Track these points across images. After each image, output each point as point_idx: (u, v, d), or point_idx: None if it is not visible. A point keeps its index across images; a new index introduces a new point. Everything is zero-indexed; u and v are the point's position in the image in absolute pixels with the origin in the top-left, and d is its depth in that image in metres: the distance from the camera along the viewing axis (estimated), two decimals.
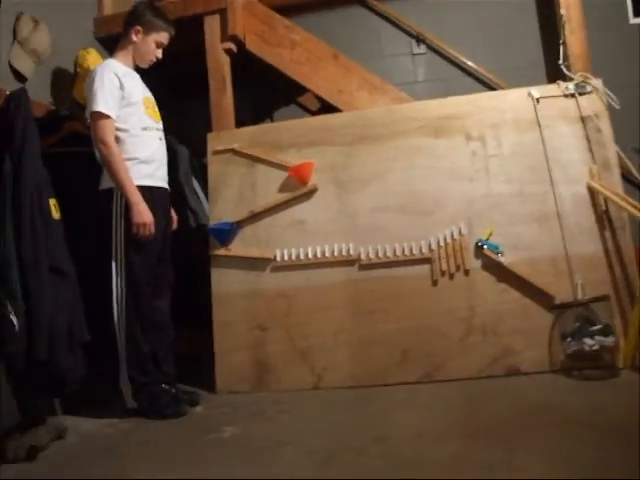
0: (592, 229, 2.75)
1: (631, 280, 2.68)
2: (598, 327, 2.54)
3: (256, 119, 3.85)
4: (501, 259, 2.72)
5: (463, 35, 3.97)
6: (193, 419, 2.54)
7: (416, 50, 3.99)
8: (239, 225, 3.00)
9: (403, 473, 1.75)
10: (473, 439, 1.97)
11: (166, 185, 2.73)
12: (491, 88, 3.80)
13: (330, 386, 2.78)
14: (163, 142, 2.73)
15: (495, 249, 2.71)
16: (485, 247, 2.72)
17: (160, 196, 2.66)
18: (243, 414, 2.53)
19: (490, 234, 2.74)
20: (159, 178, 2.67)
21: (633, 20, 4.02)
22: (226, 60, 3.34)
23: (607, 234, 2.75)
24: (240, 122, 3.34)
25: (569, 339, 2.56)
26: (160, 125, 2.74)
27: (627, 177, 3.82)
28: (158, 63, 2.77)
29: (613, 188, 2.72)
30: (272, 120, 3.94)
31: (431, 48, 3.99)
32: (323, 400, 2.64)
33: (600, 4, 3.66)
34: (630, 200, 2.57)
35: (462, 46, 3.97)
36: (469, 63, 3.95)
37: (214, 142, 3.12)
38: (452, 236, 2.79)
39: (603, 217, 2.76)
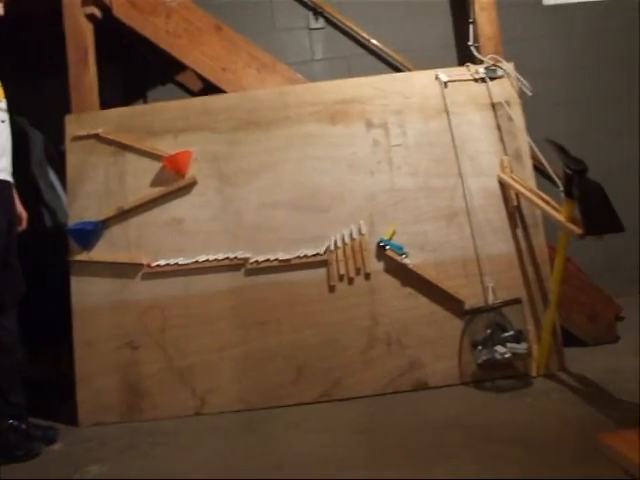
0: (504, 227, 2.88)
1: (544, 281, 2.82)
2: (510, 333, 2.65)
3: (127, 100, 3.75)
4: (406, 261, 2.78)
5: (366, 9, 4.05)
6: (50, 459, 2.43)
7: (314, 24, 4.03)
8: (104, 225, 2.91)
9: None
10: (381, 462, 2.01)
11: (9, 177, 2.60)
12: (397, 70, 3.90)
13: (215, 411, 2.75)
14: (7, 125, 2.60)
15: (399, 250, 2.77)
16: (388, 248, 2.78)
17: (1, 190, 2.53)
18: (111, 449, 2.45)
19: (393, 233, 2.80)
20: None
21: (547, 1, 4.26)
22: (88, 27, 3.22)
23: (519, 232, 2.88)
24: (106, 103, 3.24)
25: (480, 347, 2.66)
26: (3, 104, 2.60)
27: (540, 169, 4.05)
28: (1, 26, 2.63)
29: (525, 181, 2.85)
30: (146, 101, 3.85)
31: (331, 22, 4.04)
32: (206, 427, 2.61)
33: None
34: (542, 195, 2.70)
35: (365, 22, 4.05)
36: (373, 41, 4.04)
37: (74, 126, 3.00)
38: (351, 236, 2.83)
39: (515, 214, 2.89)
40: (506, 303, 2.67)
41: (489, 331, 2.66)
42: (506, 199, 2.88)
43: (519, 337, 2.63)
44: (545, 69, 4.22)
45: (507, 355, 2.58)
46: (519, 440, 2.07)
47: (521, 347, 2.61)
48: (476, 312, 2.70)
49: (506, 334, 2.64)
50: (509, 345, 2.61)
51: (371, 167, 2.89)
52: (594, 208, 2.22)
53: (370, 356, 2.76)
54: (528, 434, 2.12)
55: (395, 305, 2.79)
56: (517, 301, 2.70)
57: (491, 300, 2.73)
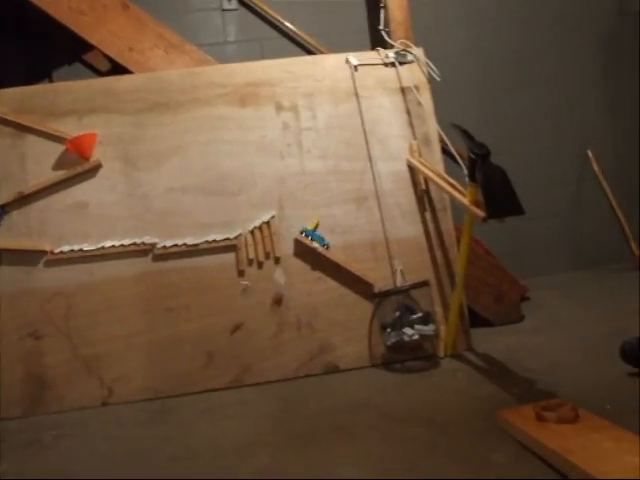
0: (412, 210, 2.90)
1: (452, 264, 2.86)
2: (418, 315, 2.68)
3: (30, 79, 3.57)
4: (315, 245, 2.77)
5: None
6: None
7: (226, 5, 3.95)
8: (4, 210, 2.77)
9: None
10: (286, 448, 1.99)
11: None
12: (311, 54, 3.87)
13: (123, 400, 2.67)
14: None
15: (321, 241, 2.75)
16: (310, 238, 2.75)
17: None
18: (12, 446, 2.34)
19: (317, 224, 2.77)
20: None
21: None
22: None
23: (428, 216, 2.90)
24: (7, 82, 3.07)
25: (389, 330, 2.67)
26: None
27: (450, 153, 4.10)
28: None
29: (433, 166, 2.87)
30: (51, 81, 3.69)
31: (244, 4, 3.96)
32: (114, 417, 2.53)
33: None
34: (449, 179, 2.72)
35: (279, 5, 3.99)
36: (287, 24, 3.99)
37: None
38: (261, 220, 2.79)
39: (424, 197, 2.91)
40: (414, 286, 2.69)
41: (397, 313, 2.67)
42: (415, 183, 2.90)
43: (427, 319, 2.66)
44: (455, 55, 4.26)
45: (415, 337, 2.60)
46: (425, 420, 2.10)
47: (429, 329, 2.64)
48: (385, 295, 2.71)
49: (414, 316, 2.66)
50: (417, 327, 2.63)
51: (281, 150, 2.86)
52: (496, 192, 2.25)
53: (280, 341, 2.74)
54: (433, 413, 2.15)
55: (305, 289, 2.77)
56: (425, 284, 2.72)
57: (400, 283, 2.74)
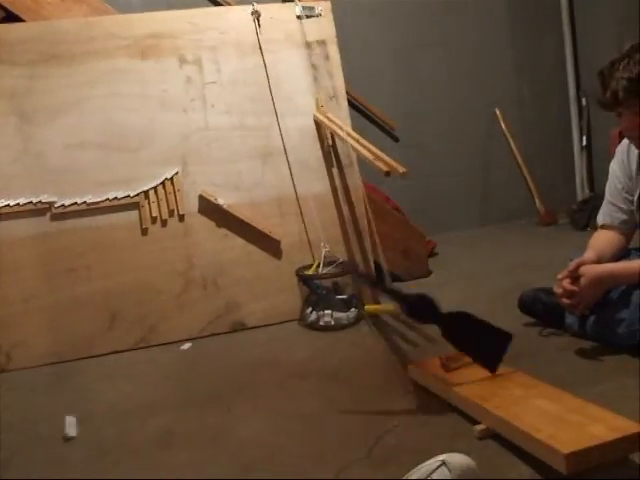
0: (319, 166, 2.86)
1: (359, 219, 2.86)
2: (342, 297, 2.62)
3: None
4: (220, 202, 2.69)
5: None
6: None
7: None
8: None
9: (102, 461, 1.66)
10: (188, 407, 1.95)
11: None
12: (219, 5, 3.73)
13: (23, 366, 2.55)
14: None
15: (319, 290, 2.64)
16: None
17: None
18: None
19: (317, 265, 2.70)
20: None
21: None
22: None
23: (335, 171, 2.87)
24: None
25: (310, 309, 2.61)
26: None
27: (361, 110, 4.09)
28: None
29: (340, 121, 2.83)
30: None
31: None
32: (12, 385, 2.41)
33: None
34: (355, 135, 2.69)
35: None
36: None
37: None
38: (164, 176, 2.69)
39: (331, 153, 2.87)
40: (342, 273, 2.63)
41: (323, 292, 2.60)
42: (321, 138, 2.85)
43: (350, 302, 2.61)
44: (368, 11, 4.21)
45: (330, 324, 2.54)
46: (329, 375, 2.09)
47: (347, 315, 2.58)
48: (311, 279, 2.63)
49: (338, 297, 2.60)
50: (335, 314, 2.56)
51: (184, 105, 2.75)
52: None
53: (186, 300, 2.68)
54: (338, 368, 2.14)
55: (210, 247, 2.71)
56: (354, 270, 2.68)
57: (323, 262, 2.67)
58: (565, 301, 2.01)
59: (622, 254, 2.14)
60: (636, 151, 2.06)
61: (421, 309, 1.89)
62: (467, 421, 1.60)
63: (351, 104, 3.89)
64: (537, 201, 4.43)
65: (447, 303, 2.70)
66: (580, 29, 4.46)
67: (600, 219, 2.21)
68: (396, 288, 2.35)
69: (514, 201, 4.56)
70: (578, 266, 1.99)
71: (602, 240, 2.16)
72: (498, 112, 4.51)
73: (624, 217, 2.14)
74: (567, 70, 4.54)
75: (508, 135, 4.50)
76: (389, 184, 3.78)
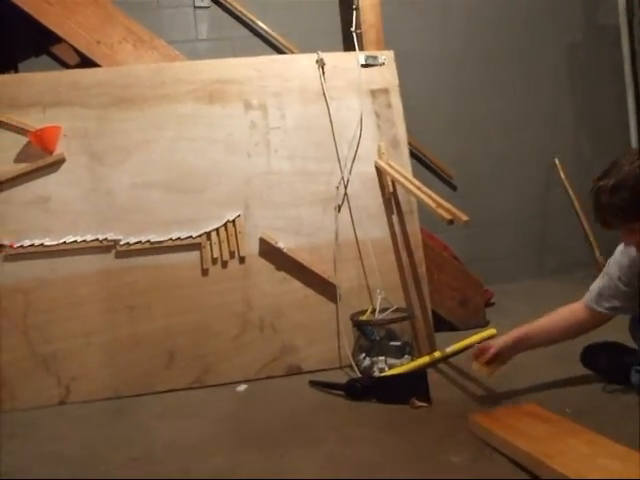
0: (379, 213, 2.88)
1: (417, 266, 2.86)
2: (397, 344, 2.61)
3: None
4: (280, 245, 2.74)
5: None
6: None
7: (199, 2, 3.91)
8: None
9: None
10: (246, 448, 1.96)
11: None
12: (283, 54, 3.84)
13: (81, 399, 2.61)
14: None
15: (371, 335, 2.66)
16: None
17: None
18: None
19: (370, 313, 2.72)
20: None
21: None
22: None
23: (394, 218, 2.89)
24: None
25: (363, 355, 2.60)
26: None
27: (420, 158, 4.13)
28: None
29: (401, 168, 2.86)
30: (17, 72, 3.61)
31: (216, 2, 3.93)
32: (70, 417, 2.47)
33: None
34: (416, 182, 2.71)
35: (252, 3, 3.96)
36: (259, 23, 3.96)
37: None
38: (226, 219, 2.75)
39: (391, 200, 2.90)
40: (398, 319, 2.62)
41: (376, 338, 2.60)
42: (382, 185, 2.89)
43: (404, 349, 2.60)
44: (426, 60, 4.28)
45: (384, 371, 2.52)
46: (386, 424, 2.08)
47: (400, 363, 2.56)
48: (365, 325, 2.63)
49: (393, 344, 2.59)
50: (389, 361, 2.55)
51: (248, 149, 2.82)
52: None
53: (243, 341, 2.71)
54: (395, 417, 2.12)
55: (269, 290, 2.74)
56: (410, 317, 2.67)
57: (379, 307, 2.68)
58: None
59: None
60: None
61: (354, 390, 2.30)
62: (529, 476, 1.57)
63: (410, 152, 3.94)
64: (596, 252, 4.36)
65: None
66: None
67: (590, 300, 2.16)
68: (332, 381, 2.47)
69: (573, 253, 4.49)
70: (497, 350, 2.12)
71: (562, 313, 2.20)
72: (557, 162, 4.49)
73: (616, 305, 2.10)
74: (629, 123, 4.49)
75: (567, 185, 4.46)
76: (446, 233, 3.79)
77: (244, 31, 3.96)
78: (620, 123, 4.55)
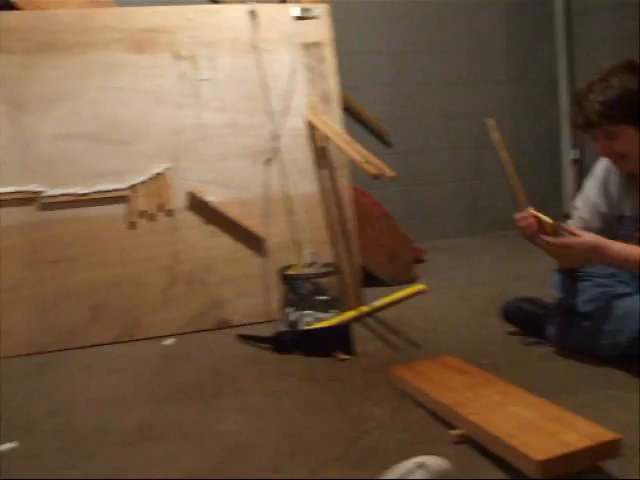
0: (309, 168, 2.85)
1: (347, 222, 2.86)
2: (325, 298, 2.59)
3: None
4: (209, 199, 2.68)
5: None
6: None
7: None
8: None
9: (76, 451, 1.66)
10: (167, 402, 1.95)
11: None
12: (217, 3, 3.71)
13: (5, 355, 2.53)
14: None
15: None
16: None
17: None
18: None
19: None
20: None
21: None
22: None
23: (325, 173, 2.87)
24: None
25: (291, 308, 2.58)
26: None
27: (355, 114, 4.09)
28: None
29: (332, 124, 2.83)
30: None
31: None
32: None
33: None
34: (347, 137, 2.69)
35: None
36: None
37: None
38: (154, 171, 2.68)
39: (322, 155, 2.87)
40: (324, 274, 2.60)
41: (304, 292, 2.58)
42: (313, 140, 2.85)
43: (331, 304, 2.58)
44: (366, 17, 4.23)
45: (311, 325, 2.50)
46: (309, 375, 2.10)
47: (326, 316, 2.55)
48: (292, 279, 2.61)
49: (320, 298, 2.58)
50: (316, 315, 2.54)
51: (178, 100, 2.74)
52: None
53: (171, 295, 2.67)
54: (320, 369, 2.15)
55: (198, 243, 2.70)
56: (336, 272, 2.65)
57: (307, 261, 2.69)
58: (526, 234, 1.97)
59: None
60: (616, 175, 2.06)
61: (280, 342, 2.33)
62: (445, 426, 1.60)
63: (344, 107, 3.90)
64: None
65: (431, 309, 2.75)
66: (578, 43, 4.46)
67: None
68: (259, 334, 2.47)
69: (503, 211, 4.55)
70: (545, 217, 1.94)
71: None
72: (490, 123, 4.51)
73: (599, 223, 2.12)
74: (559, 83, 4.55)
75: (499, 146, 4.49)
76: (380, 190, 3.79)
77: None
78: (553, 85, 4.60)
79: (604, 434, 1.36)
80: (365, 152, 2.43)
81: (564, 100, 4.52)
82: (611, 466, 1.35)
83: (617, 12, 4.33)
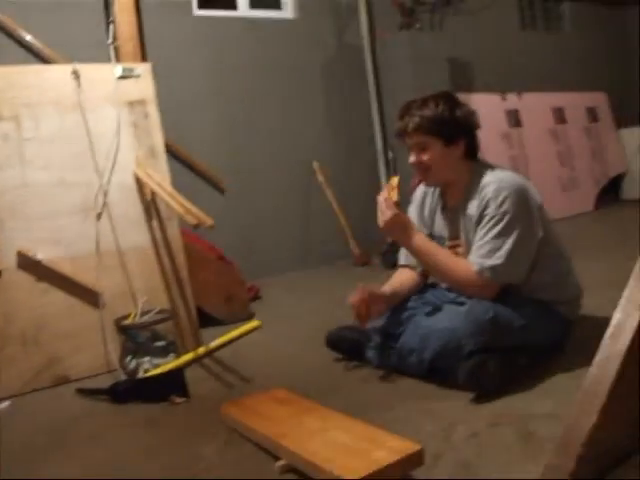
0: (140, 220, 2.91)
1: (179, 270, 2.93)
2: (162, 343, 2.65)
3: None
4: (39, 257, 2.66)
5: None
6: None
7: None
8: None
9: None
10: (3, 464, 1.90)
11: None
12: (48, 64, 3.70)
13: None
14: None
15: None
16: None
17: None
18: None
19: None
20: None
21: (197, 12, 4.43)
22: None
23: (155, 224, 2.93)
24: None
25: (130, 357, 2.61)
26: None
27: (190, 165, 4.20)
28: None
29: (158, 176, 2.90)
30: None
31: None
32: None
33: None
34: (170, 190, 2.77)
35: (12, 10, 3.76)
36: (22, 32, 3.78)
37: None
38: None
39: (151, 207, 2.93)
40: (159, 321, 2.66)
41: (142, 340, 2.62)
42: (142, 193, 2.91)
43: (169, 348, 2.65)
44: (192, 72, 4.37)
45: (150, 372, 2.54)
46: (148, 421, 2.13)
47: (166, 361, 2.61)
48: (130, 329, 2.64)
49: (159, 344, 2.63)
50: (154, 361, 2.59)
51: (0, 162, 2.69)
52: None
53: (3, 358, 2.59)
54: (158, 414, 2.19)
55: (30, 302, 2.67)
56: (170, 318, 2.72)
57: (142, 310, 2.71)
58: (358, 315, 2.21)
59: (419, 290, 2.37)
60: (431, 198, 2.32)
61: (117, 393, 2.35)
62: (272, 458, 1.68)
63: (179, 159, 4.01)
64: (351, 243, 4.73)
65: (265, 344, 2.87)
66: (385, 92, 4.87)
67: (400, 259, 2.45)
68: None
69: (332, 245, 4.83)
70: (371, 290, 2.22)
71: (400, 277, 2.40)
72: (316, 166, 4.80)
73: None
74: (374, 127, 4.92)
75: (325, 185, 4.79)
76: (215, 234, 3.89)
77: (4, 40, 3.75)
78: (367, 127, 4.97)
79: (409, 447, 1.49)
80: (187, 203, 2.54)
81: (378, 141, 4.89)
82: (418, 474, 1.50)
83: (416, 65, 4.79)
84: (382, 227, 2.19)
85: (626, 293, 1.07)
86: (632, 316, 1.00)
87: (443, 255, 2.17)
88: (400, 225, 2.17)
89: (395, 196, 2.17)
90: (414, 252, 2.20)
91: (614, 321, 1.04)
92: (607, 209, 5.98)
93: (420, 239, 2.18)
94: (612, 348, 1.00)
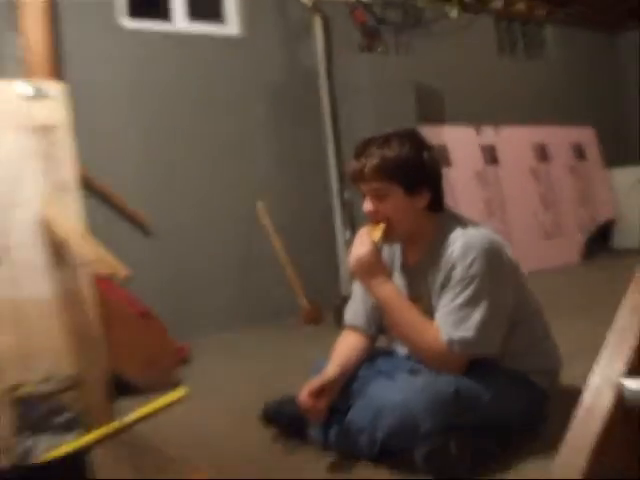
0: (46, 267, 2.82)
1: (90, 324, 2.85)
2: (65, 418, 2.57)
3: None
4: None
5: None
6: None
7: None
8: None
9: None
10: None
11: None
12: None
13: None
14: None
15: None
16: None
17: None
18: None
19: None
20: None
21: (126, 24, 4.45)
22: None
23: (64, 273, 2.85)
24: None
25: (24, 435, 2.51)
26: None
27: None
28: None
29: (67, 216, 2.84)
30: None
31: None
32: None
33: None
34: (81, 233, 2.71)
35: None
36: None
37: None
38: None
39: (60, 251, 2.85)
40: (62, 390, 2.60)
41: (39, 414, 2.54)
42: (50, 235, 2.83)
43: (73, 424, 2.57)
44: (118, 95, 4.35)
45: (49, 451, 2.45)
46: None
47: (69, 440, 2.53)
48: (25, 400, 2.54)
49: (59, 419, 2.56)
50: (54, 440, 2.50)
51: None
52: None
53: None
54: None
55: None
56: (75, 386, 2.65)
57: (41, 377, 2.62)
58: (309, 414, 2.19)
59: (367, 356, 2.35)
60: (388, 253, 2.31)
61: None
62: None
63: (97, 195, 3.96)
64: (300, 297, 4.69)
65: (192, 418, 2.80)
66: (342, 123, 4.90)
67: (347, 317, 2.42)
68: None
69: (277, 299, 4.79)
70: (321, 384, 2.16)
71: (347, 346, 2.36)
72: (260, 205, 4.78)
73: (370, 316, 2.35)
74: (328, 163, 4.94)
75: (270, 229, 4.76)
76: (138, 284, 3.81)
77: None
78: (321, 168, 4.97)
79: None
80: (100, 249, 2.48)
81: (334, 179, 4.90)
82: None
83: (378, 93, 4.86)
84: (352, 263, 2.17)
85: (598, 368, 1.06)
86: (603, 395, 0.98)
87: (412, 315, 2.14)
88: (373, 266, 2.14)
89: (377, 237, 2.15)
90: (381, 302, 2.18)
91: (584, 402, 1.02)
92: (595, 260, 6.09)
93: (391, 289, 2.16)
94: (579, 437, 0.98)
